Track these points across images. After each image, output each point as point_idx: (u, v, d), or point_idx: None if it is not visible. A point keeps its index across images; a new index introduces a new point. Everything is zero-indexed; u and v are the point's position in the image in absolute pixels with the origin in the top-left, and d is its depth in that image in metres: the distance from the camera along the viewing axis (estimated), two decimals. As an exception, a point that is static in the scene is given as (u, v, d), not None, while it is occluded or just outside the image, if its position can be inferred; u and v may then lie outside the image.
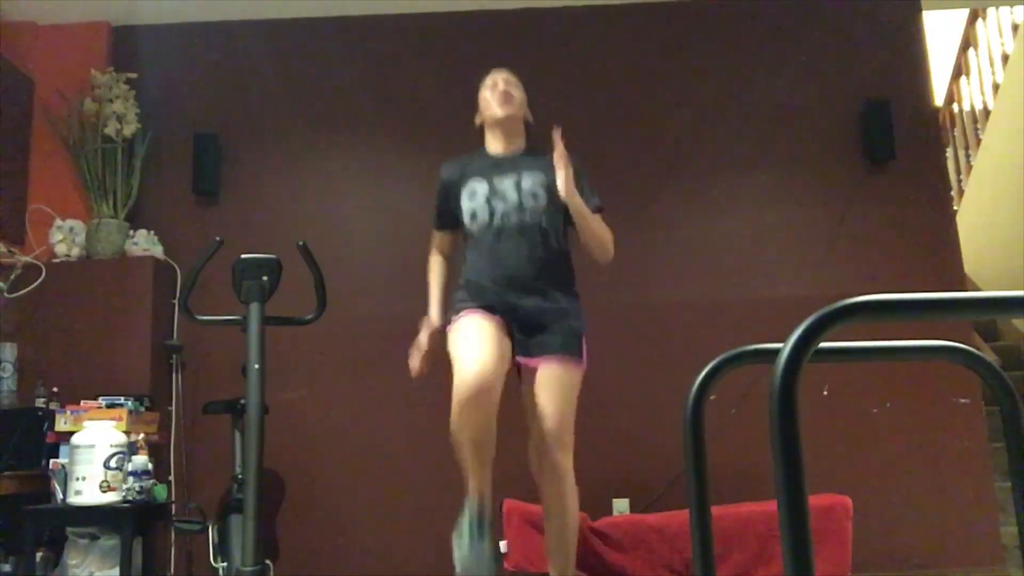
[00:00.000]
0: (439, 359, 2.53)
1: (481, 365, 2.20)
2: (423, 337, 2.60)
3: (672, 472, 3.57)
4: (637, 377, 3.81)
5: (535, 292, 2.48)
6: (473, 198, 2.55)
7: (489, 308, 2.45)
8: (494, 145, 2.67)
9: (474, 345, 2.29)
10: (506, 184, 2.53)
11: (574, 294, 2.58)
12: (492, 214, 2.52)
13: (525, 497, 3.27)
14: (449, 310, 2.58)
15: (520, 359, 2.46)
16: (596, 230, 2.53)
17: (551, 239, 2.53)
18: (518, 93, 2.65)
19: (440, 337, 2.56)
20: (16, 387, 3.61)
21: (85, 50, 4.20)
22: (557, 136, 2.42)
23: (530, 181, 2.54)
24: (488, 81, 2.68)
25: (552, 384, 2.42)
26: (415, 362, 2.60)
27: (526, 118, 2.70)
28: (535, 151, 2.66)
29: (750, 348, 1.55)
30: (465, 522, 2.21)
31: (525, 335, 2.46)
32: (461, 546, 2.18)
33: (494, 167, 2.60)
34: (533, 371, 2.45)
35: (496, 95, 2.62)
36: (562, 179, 2.41)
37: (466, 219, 2.56)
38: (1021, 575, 3.56)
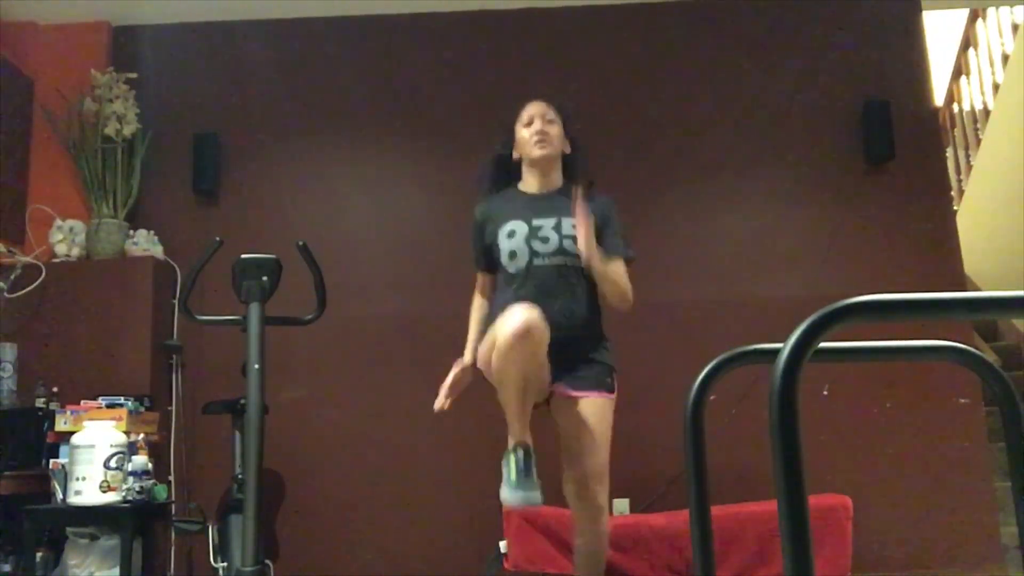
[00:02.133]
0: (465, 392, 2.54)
1: (528, 311, 2.18)
2: (454, 373, 2.56)
3: (672, 472, 3.57)
4: (637, 377, 3.80)
5: (574, 330, 2.45)
6: (512, 237, 2.51)
7: None
8: (531, 182, 2.63)
9: (520, 306, 2.24)
10: (545, 226, 2.50)
11: (604, 337, 2.59)
12: (533, 255, 2.49)
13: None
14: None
15: (556, 386, 2.45)
16: (617, 286, 2.51)
17: (588, 283, 2.52)
18: (555, 130, 2.60)
19: (471, 373, 2.55)
20: (16, 387, 3.60)
21: (85, 50, 4.20)
22: (576, 193, 2.41)
23: (570, 223, 2.48)
24: (524, 117, 2.62)
25: (593, 419, 2.42)
26: (441, 399, 2.55)
27: (564, 151, 2.65)
28: (572, 190, 2.57)
29: (750, 348, 1.55)
30: (512, 469, 2.26)
31: (562, 368, 2.45)
32: (510, 485, 2.26)
33: (531, 207, 2.56)
34: (572, 403, 2.44)
35: (533, 134, 2.57)
36: (582, 239, 2.39)
37: (504, 258, 2.52)
38: (1021, 575, 3.56)
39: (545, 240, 2.49)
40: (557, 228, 2.50)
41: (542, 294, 2.43)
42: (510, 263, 2.51)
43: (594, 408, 2.44)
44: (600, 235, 2.51)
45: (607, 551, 2.52)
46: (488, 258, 2.61)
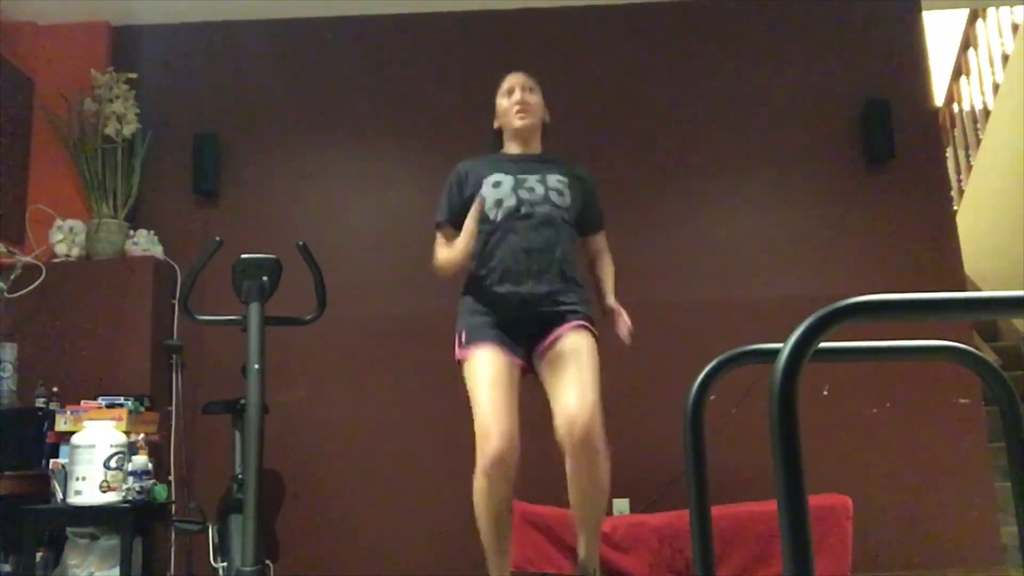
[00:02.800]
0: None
1: (506, 433, 2.29)
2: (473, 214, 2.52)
3: (672, 472, 3.57)
4: (637, 377, 3.80)
5: (553, 282, 2.51)
6: (498, 187, 2.56)
7: (502, 326, 2.49)
8: (512, 148, 2.71)
9: (494, 401, 2.36)
10: (531, 179, 2.58)
11: (583, 287, 2.64)
12: (520, 202, 2.53)
13: (526, 497, 3.27)
14: (459, 319, 2.58)
15: (537, 349, 2.50)
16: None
17: (570, 235, 2.61)
18: (535, 99, 2.68)
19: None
20: (16, 387, 3.60)
21: (85, 50, 4.20)
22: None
23: (554, 179, 2.59)
24: (504, 86, 2.70)
25: (577, 350, 2.43)
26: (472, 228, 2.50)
27: (544, 120, 2.73)
28: (552, 155, 2.71)
29: (750, 348, 1.55)
30: None
31: (539, 325, 2.50)
32: None
33: (516, 164, 2.64)
34: (553, 344, 2.46)
35: (513, 104, 2.64)
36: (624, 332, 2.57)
37: (489, 206, 2.54)
38: (1021, 575, 3.56)
39: (531, 190, 2.56)
40: (542, 182, 2.58)
41: (526, 245, 2.50)
42: (496, 211, 2.54)
43: (576, 340, 2.45)
44: (586, 204, 2.66)
45: (608, 493, 2.41)
46: (462, 211, 2.58)
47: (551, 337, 2.47)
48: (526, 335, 2.52)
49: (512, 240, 2.51)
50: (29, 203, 4.04)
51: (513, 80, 2.69)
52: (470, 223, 2.49)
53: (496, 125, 2.75)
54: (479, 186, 2.58)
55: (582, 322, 2.50)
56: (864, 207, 4.05)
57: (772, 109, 4.16)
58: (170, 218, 4.11)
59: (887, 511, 3.70)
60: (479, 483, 2.34)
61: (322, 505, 3.85)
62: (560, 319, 2.50)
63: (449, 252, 2.57)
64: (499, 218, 2.54)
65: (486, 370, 2.42)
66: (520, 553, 3.39)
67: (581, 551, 2.47)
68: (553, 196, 2.55)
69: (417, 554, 3.76)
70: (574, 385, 2.34)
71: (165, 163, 4.16)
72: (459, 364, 2.54)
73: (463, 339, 2.53)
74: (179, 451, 3.84)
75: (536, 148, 2.72)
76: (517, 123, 2.64)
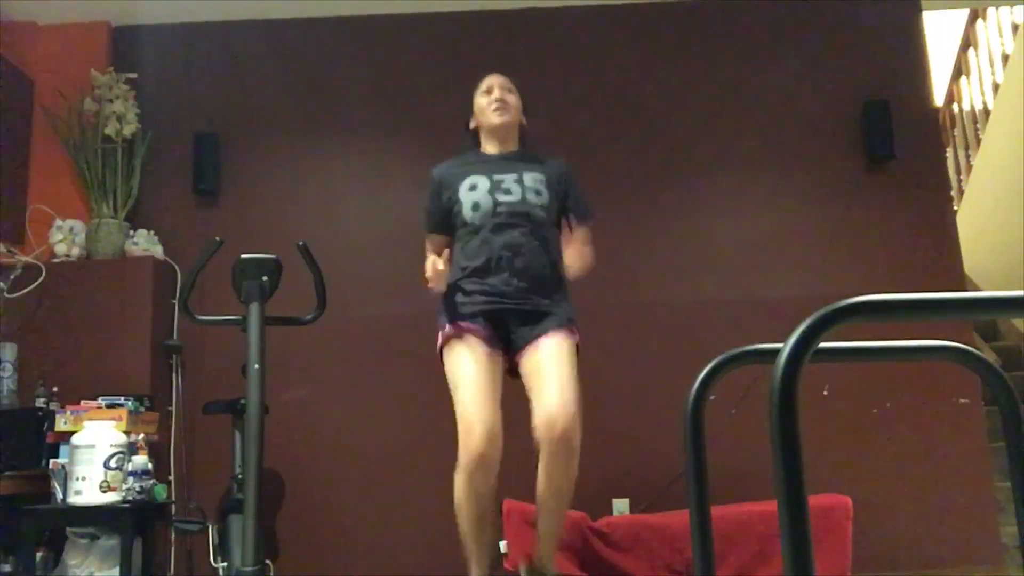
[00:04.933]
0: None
1: (489, 428, 2.29)
2: (434, 259, 2.45)
3: (672, 472, 3.57)
4: (637, 377, 3.81)
5: (534, 281, 2.50)
6: (474, 190, 2.55)
7: (484, 319, 2.48)
8: (490, 148, 2.70)
9: (476, 395, 2.35)
10: (507, 179, 2.56)
11: (566, 287, 2.61)
12: (496, 204, 2.52)
13: (525, 497, 3.27)
14: (439, 313, 2.58)
15: (519, 350, 2.49)
16: (585, 268, 2.62)
17: (551, 234, 2.59)
18: (513, 99, 2.68)
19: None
20: (16, 387, 3.60)
21: (85, 50, 4.19)
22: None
23: (531, 177, 2.58)
24: (483, 86, 2.69)
25: (556, 352, 2.42)
26: (430, 272, 2.44)
27: (521, 122, 2.71)
28: (530, 153, 2.70)
29: (750, 348, 1.55)
30: None
31: (521, 324, 2.50)
32: None
33: (492, 164, 2.63)
34: (534, 346, 2.46)
35: (491, 102, 2.64)
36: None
37: (466, 211, 2.54)
38: (1021, 575, 3.56)
39: (508, 191, 2.54)
40: (519, 182, 2.56)
41: (505, 245, 2.49)
42: (473, 215, 2.53)
43: (556, 343, 2.45)
44: (565, 200, 2.62)
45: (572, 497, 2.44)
46: (443, 218, 2.61)
47: (532, 338, 2.47)
48: (508, 332, 2.51)
49: (492, 241, 2.50)
50: (29, 203, 4.04)
51: (492, 79, 2.69)
52: (431, 271, 2.42)
53: (473, 124, 2.72)
54: (455, 190, 2.58)
55: (563, 324, 2.49)
56: (864, 207, 4.05)
57: (772, 109, 4.16)
58: (170, 218, 4.11)
59: (887, 511, 3.70)
60: (460, 480, 2.34)
61: (322, 505, 3.84)
62: (540, 318, 2.49)
63: (430, 280, 2.49)
64: (477, 221, 2.53)
65: (467, 361, 2.42)
66: (520, 553, 3.38)
67: (539, 548, 2.49)
68: (530, 196, 2.54)
69: (417, 554, 3.76)
70: (554, 384, 2.36)
71: (165, 163, 4.16)
72: (440, 357, 2.54)
73: (444, 333, 2.53)
74: (179, 451, 3.83)
75: (513, 147, 2.70)
76: (495, 119, 2.63)
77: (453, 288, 2.56)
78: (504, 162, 2.63)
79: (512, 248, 2.49)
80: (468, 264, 2.54)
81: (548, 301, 2.52)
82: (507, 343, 2.52)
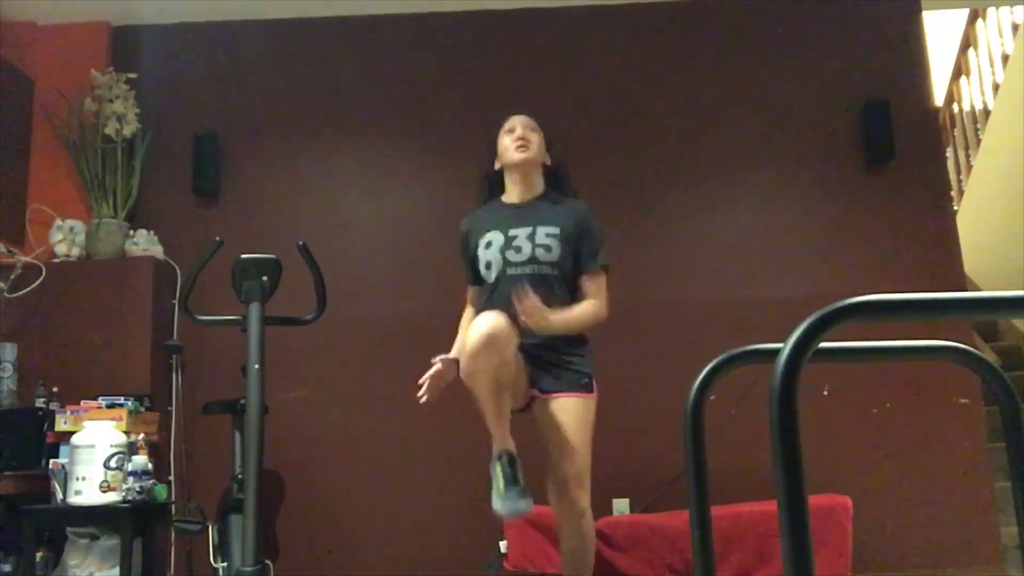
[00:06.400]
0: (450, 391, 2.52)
1: (495, 317, 2.22)
2: (435, 368, 2.50)
3: (672, 472, 3.57)
4: (637, 377, 3.80)
5: (548, 337, 2.46)
6: (489, 248, 2.57)
7: None
8: (512, 192, 2.68)
9: (488, 313, 2.29)
10: (520, 235, 2.55)
11: (582, 340, 2.57)
12: (506, 264, 2.53)
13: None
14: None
15: (534, 391, 2.49)
16: (584, 326, 2.53)
17: (560, 290, 2.54)
18: (536, 137, 2.65)
19: (455, 369, 2.48)
20: (16, 387, 3.60)
21: (85, 50, 4.19)
22: (519, 298, 2.35)
23: (543, 232, 2.54)
24: (506, 126, 2.68)
25: (568, 419, 2.44)
26: (428, 387, 2.50)
27: (544, 161, 2.69)
28: (553, 197, 2.66)
29: (750, 348, 1.55)
30: (499, 478, 2.28)
31: (538, 373, 2.49)
32: (498, 495, 2.28)
33: (510, 218, 2.61)
34: (546, 404, 2.46)
35: (514, 139, 2.63)
36: (532, 320, 2.35)
37: (482, 269, 2.59)
38: (1021, 575, 3.56)
39: (518, 250, 2.54)
40: (531, 237, 2.54)
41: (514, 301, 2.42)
42: (487, 273, 2.58)
43: (569, 407, 2.45)
44: (578, 247, 2.56)
45: (594, 550, 2.51)
46: (474, 271, 2.66)
47: (551, 390, 2.47)
48: (533, 368, 2.50)
49: (507, 297, 2.43)
50: (29, 203, 4.04)
51: (515, 120, 2.67)
52: (429, 378, 2.50)
53: (497, 165, 2.70)
54: (475, 245, 2.62)
55: (582, 383, 2.49)
56: (864, 207, 4.05)
57: (772, 109, 4.16)
58: (170, 218, 4.11)
59: (887, 511, 3.70)
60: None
61: (322, 505, 3.85)
62: (559, 371, 2.49)
63: (462, 326, 2.67)
64: (491, 279, 2.57)
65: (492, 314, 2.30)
66: (520, 553, 3.39)
67: None
68: (540, 253, 2.52)
69: (417, 553, 3.76)
70: (566, 450, 2.41)
71: (165, 163, 4.16)
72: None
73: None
74: (179, 451, 3.83)
75: (536, 188, 2.66)
76: (516, 157, 2.61)
77: None
78: (522, 213, 2.61)
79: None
80: None
81: (563, 356, 2.51)
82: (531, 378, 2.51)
